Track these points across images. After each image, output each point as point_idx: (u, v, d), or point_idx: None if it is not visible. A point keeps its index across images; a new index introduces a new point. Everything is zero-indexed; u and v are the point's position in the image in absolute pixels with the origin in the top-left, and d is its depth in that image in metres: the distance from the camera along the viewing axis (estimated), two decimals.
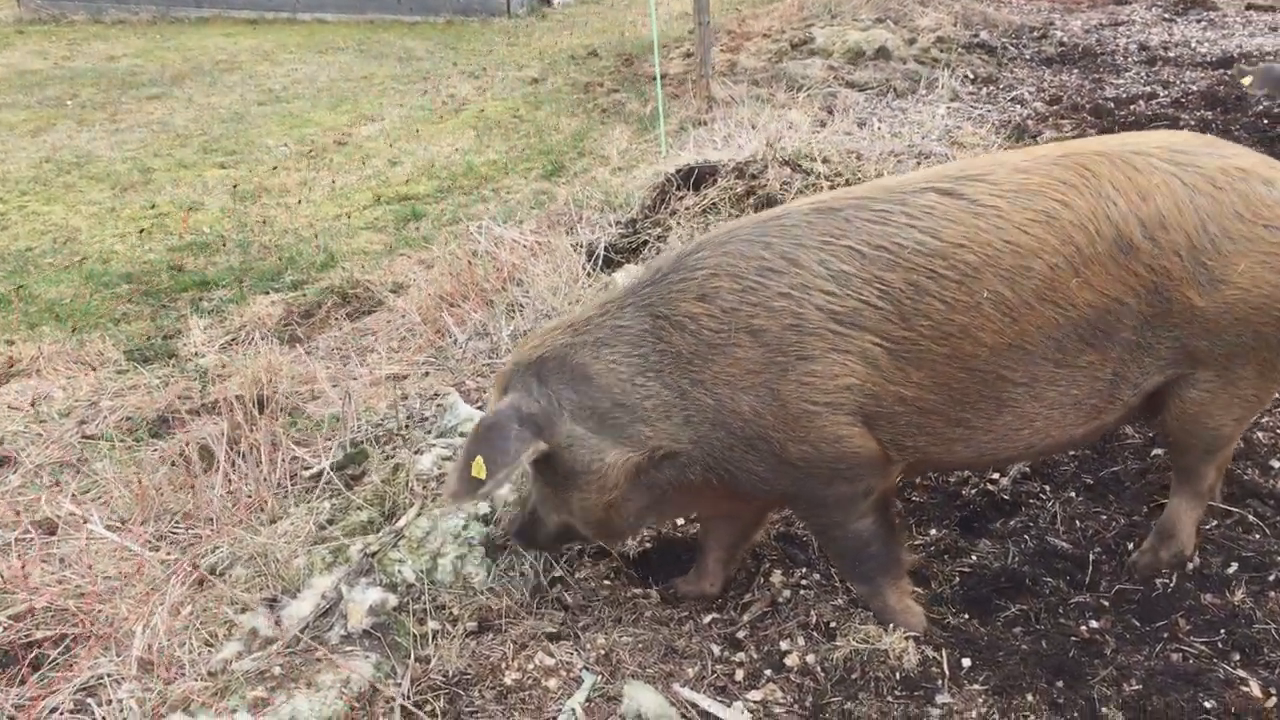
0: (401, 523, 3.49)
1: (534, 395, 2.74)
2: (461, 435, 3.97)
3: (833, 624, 3.05)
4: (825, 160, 6.88)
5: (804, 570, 3.33)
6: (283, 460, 4.07)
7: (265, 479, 3.97)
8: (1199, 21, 11.10)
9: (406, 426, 4.36)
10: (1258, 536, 3.27)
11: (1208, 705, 2.67)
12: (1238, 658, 2.84)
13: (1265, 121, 7.09)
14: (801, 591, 3.24)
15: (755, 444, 2.67)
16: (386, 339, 5.59)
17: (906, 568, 3.02)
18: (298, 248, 7.42)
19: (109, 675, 2.88)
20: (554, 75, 12.20)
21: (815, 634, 3.04)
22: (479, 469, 2.66)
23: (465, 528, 3.46)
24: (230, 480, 3.95)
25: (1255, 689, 2.73)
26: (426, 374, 5.03)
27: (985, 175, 2.63)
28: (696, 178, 6.24)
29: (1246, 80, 7.69)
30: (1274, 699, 2.69)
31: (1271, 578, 3.08)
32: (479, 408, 4.43)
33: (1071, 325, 2.60)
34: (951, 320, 2.55)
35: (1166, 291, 2.58)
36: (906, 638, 2.90)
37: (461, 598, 3.26)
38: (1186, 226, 2.55)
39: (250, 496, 3.88)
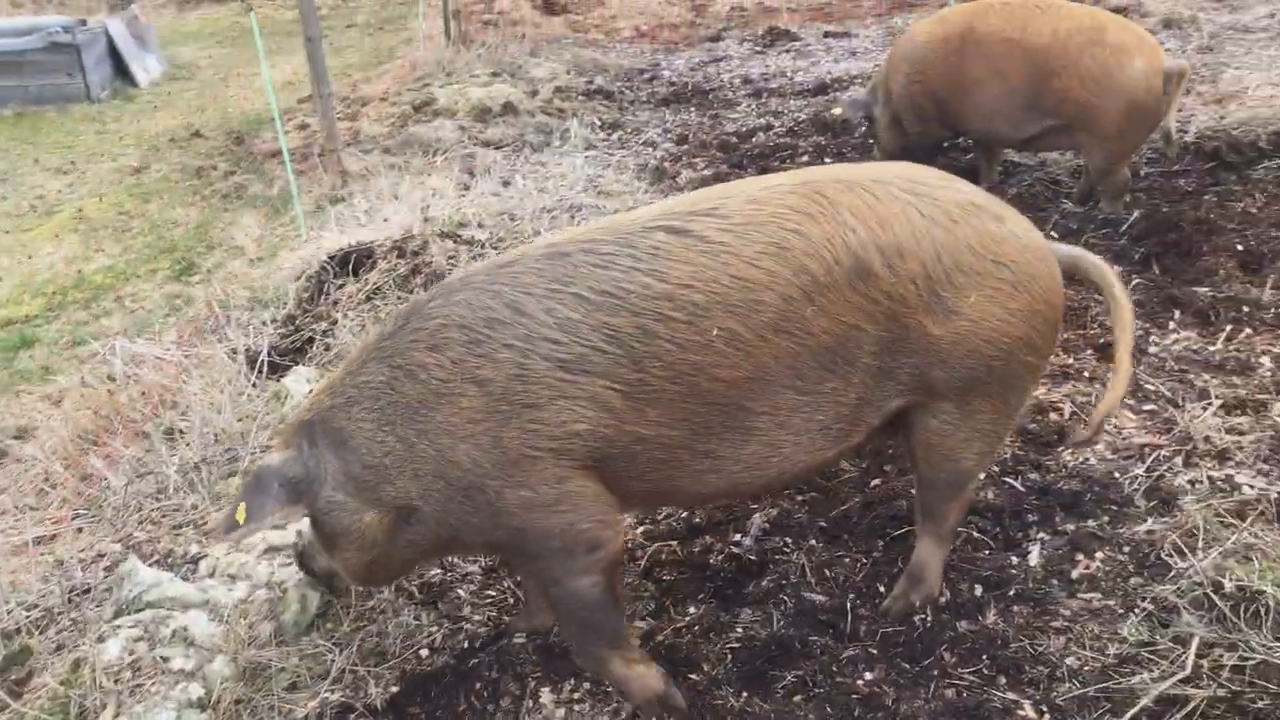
0: None
1: (303, 458, 2.72)
2: (150, 606, 3.41)
3: None
4: (481, 225, 6.73)
5: (572, 682, 3.10)
6: None
7: None
8: (787, 52, 11.85)
9: (71, 602, 3.72)
10: (988, 552, 3.41)
11: None
12: (1004, 681, 2.91)
13: (870, 140, 7.67)
14: (575, 707, 3.01)
15: (471, 494, 2.61)
16: (19, 496, 4.79)
17: (628, 635, 2.91)
18: None
19: None
20: (158, 162, 11.18)
21: None
22: (242, 515, 2.70)
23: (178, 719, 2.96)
24: None
25: (1030, 711, 2.80)
26: (80, 530, 4.35)
27: (715, 209, 2.62)
28: (355, 262, 5.86)
29: (837, 110, 8.29)
30: (1048, 717, 2.78)
31: (1012, 592, 3.21)
32: (156, 564, 3.86)
33: (810, 354, 2.62)
34: (684, 360, 2.54)
35: (903, 319, 2.64)
36: None
37: None
38: (923, 256, 2.62)
39: None
